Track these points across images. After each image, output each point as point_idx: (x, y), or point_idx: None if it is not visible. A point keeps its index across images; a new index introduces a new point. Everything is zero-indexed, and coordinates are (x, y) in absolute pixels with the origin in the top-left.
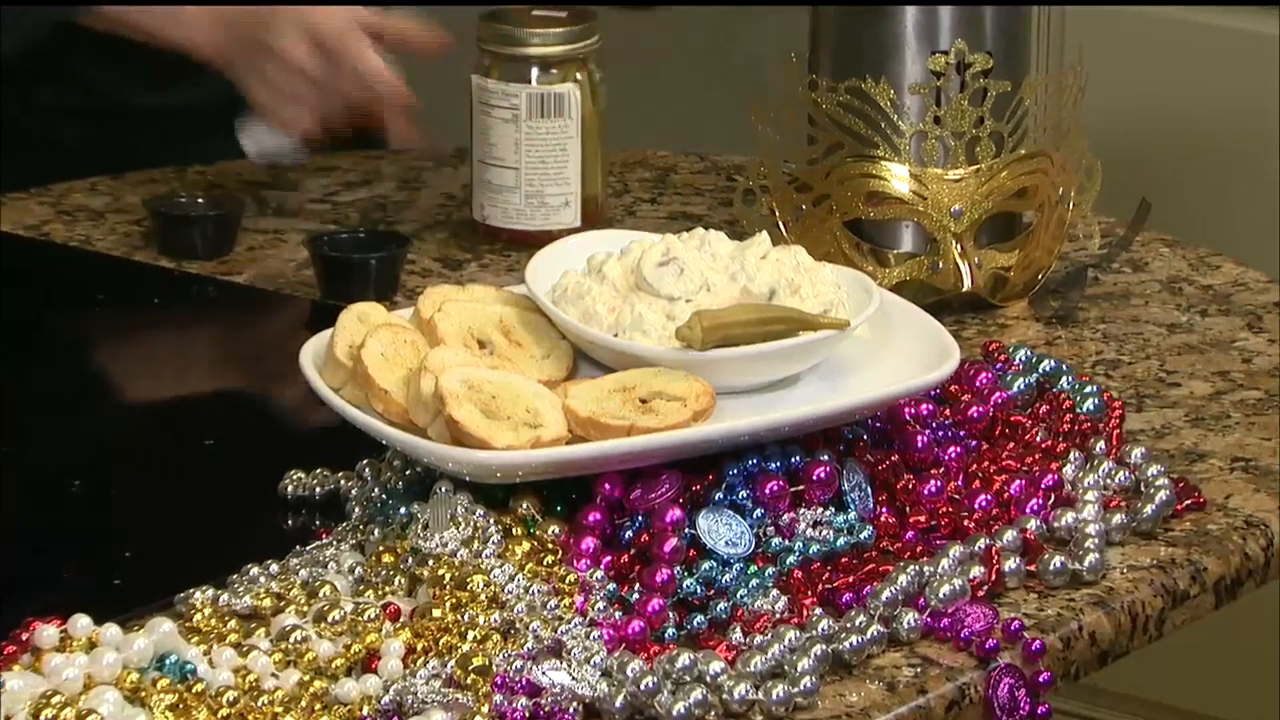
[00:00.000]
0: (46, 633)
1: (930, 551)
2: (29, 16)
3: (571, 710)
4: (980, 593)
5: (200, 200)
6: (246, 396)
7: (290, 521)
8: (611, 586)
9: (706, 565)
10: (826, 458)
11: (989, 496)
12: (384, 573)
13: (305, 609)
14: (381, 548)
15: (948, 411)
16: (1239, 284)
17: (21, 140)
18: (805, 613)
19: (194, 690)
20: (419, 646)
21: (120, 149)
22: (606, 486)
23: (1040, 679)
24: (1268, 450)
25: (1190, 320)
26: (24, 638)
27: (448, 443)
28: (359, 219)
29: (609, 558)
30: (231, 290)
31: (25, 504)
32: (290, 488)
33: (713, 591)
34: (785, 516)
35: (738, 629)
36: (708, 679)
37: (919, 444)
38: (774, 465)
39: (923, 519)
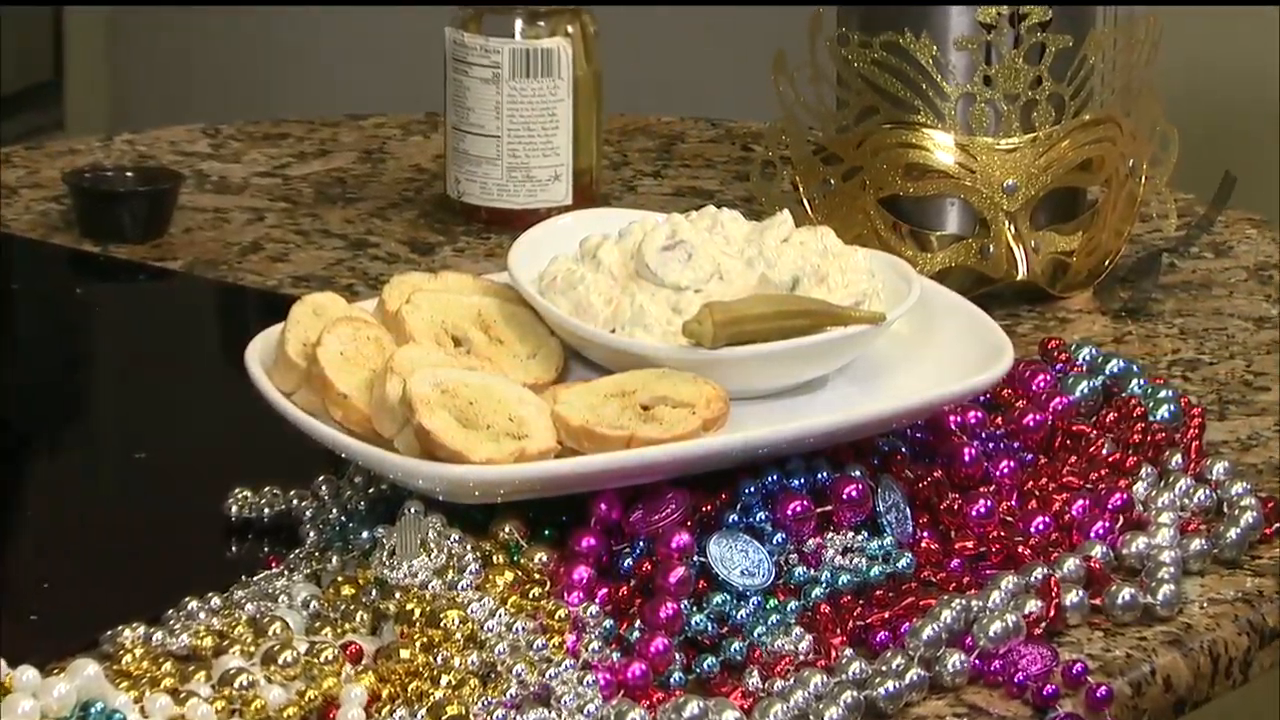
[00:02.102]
0: None
1: (979, 583)
2: None
3: None
4: (1037, 630)
5: (129, 174)
6: (183, 402)
7: (235, 548)
8: (608, 623)
9: (719, 599)
10: (858, 474)
11: (1047, 519)
12: (343, 607)
13: (252, 649)
14: (341, 578)
15: (999, 420)
16: None
17: None
18: (833, 654)
19: None
20: (384, 693)
21: None
22: (602, 507)
23: None
24: None
25: None
26: None
27: (418, 456)
28: (314, 196)
29: (605, 590)
30: (165, 278)
31: None
32: (235, 508)
33: (726, 629)
34: (810, 542)
35: (755, 673)
36: None
37: (966, 457)
38: (797, 482)
39: (970, 545)
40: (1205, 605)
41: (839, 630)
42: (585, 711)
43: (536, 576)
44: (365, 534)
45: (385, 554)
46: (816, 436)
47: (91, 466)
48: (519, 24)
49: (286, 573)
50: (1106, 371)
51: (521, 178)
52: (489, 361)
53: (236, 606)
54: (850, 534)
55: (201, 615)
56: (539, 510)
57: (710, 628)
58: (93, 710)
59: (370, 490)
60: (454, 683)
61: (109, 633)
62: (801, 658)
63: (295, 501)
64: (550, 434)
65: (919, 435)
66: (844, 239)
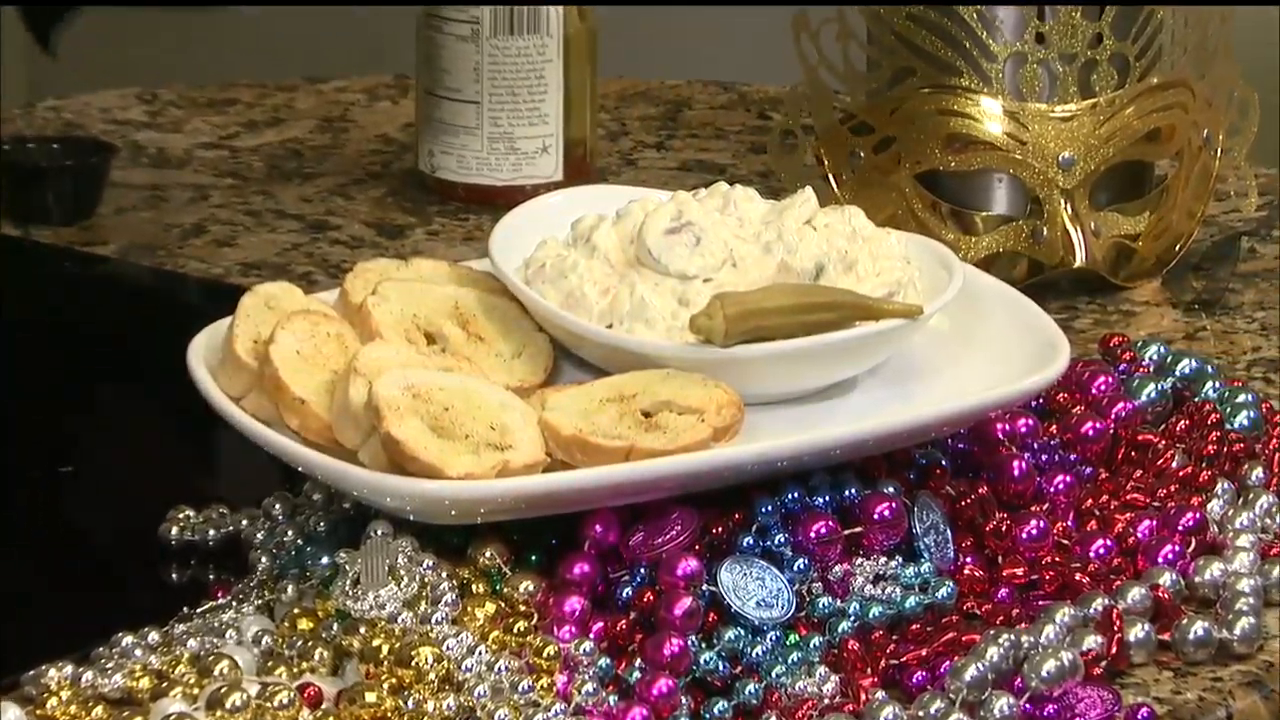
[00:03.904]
0: None
1: (1030, 615)
2: None
3: None
4: (1097, 670)
5: (54, 146)
6: (116, 408)
7: (175, 575)
8: (604, 662)
9: (731, 634)
10: (892, 490)
11: (1108, 542)
12: (300, 644)
13: (195, 691)
14: (297, 610)
15: (1054, 428)
16: None
17: None
18: (863, 697)
19: None
20: None
21: None
22: (598, 529)
23: None
24: None
25: None
26: None
27: (385, 470)
28: (266, 171)
29: (601, 624)
30: (96, 265)
31: None
32: (175, 530)
33: (740, 668)
34: (836, 569)
35: (773, 718)
36: None
37: (1015, 471)
38: (821, 500)
39: (1020, 572)
40: None
41: (869, 670)
42: None
43: (521, 608)
44: (325, 560)
45: (348, 583)
46: (844, 447)
47: (11, 481)
48: None
49: (235, 604)
50: (1177, 372)
51: (504, 150)
52: (467, 361)
53: (177, 643)
54: (882, 559)
55: (137, 652)
56: (524, 532)
57: (721, 667)
58: None
59: (331, 509)
60: None
61: (31, 672)
62: (826, 701)
63: (245, 523)
64: (537, 445)
65: (961, 446)
66: (875, 220)
